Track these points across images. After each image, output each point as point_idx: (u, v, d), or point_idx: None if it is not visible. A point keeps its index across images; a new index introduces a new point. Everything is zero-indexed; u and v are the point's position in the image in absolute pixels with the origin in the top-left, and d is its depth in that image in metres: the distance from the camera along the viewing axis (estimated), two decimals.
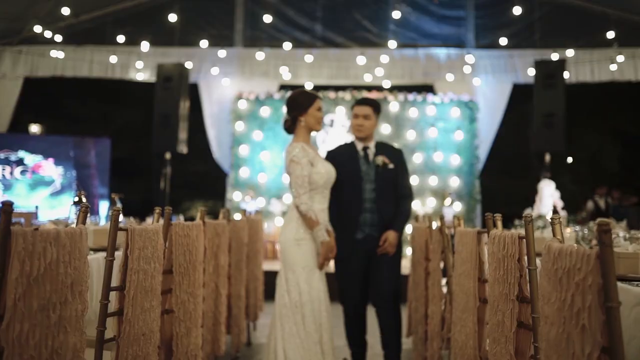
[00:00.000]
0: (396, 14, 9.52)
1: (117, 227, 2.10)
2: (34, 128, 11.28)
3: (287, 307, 3.33)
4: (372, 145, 3.80)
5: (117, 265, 2.15)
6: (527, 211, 6.89)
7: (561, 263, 1.40)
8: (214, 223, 3.36)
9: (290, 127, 3.51)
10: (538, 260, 1.88)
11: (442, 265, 3.51)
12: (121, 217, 4.68)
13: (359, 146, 3.79)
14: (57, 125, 12.98)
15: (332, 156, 3.76)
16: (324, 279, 3.48)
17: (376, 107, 3.82)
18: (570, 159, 9.00)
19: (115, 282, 2.16)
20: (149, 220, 5.35)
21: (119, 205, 4.85)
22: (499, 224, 2.40)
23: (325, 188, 3.49)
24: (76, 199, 4.01)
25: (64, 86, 11.44)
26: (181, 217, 5.52)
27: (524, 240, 2.00)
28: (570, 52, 8.79)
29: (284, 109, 3.56)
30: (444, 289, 3.50)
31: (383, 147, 3.84)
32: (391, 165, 3.73)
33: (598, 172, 12.58)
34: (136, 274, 2.15)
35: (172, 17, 9.22)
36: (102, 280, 2.09)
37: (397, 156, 3.81)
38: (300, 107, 3.46)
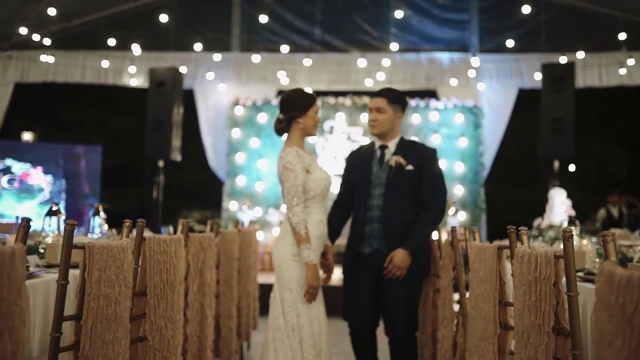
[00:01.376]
0: (398, 17, 9.22)
1: (70, 244, 1.75)
2: (27, 136, 10.97)
3: (282, 331, 2.98)
4: (392, 143, 3.25)
5: (74, 289, 1.81)
6: (537, 221, 6.54)
7: (631, 296, 1.06)
8: (198, 236, 3.01)
9: (283, 128, 3.17)
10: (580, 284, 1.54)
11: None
12: (105, 229, 4.31)
13: (377, 145, 3.30)
14: (50, 132, 12.66)
15: (349, 159, 3.45)
16: (322, 298, 3.13)
17: (391, 97, 3.24)
18: (572, 166, 8.64)
19: (71, 310, 1.81)
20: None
21: (103, 215, 4.52)
22: (525, 238, 2.05)
23: (323, 197, 3.15)
24: (54, 208, 3.68)
25: (55, 92, 11.13)
26: (171, 229, 5.17)
27: (561, 259, 1.65)
28: (580, 54, 8.48)
29: (279, 109, 3.21)
30: (455, 307, 3.15)
31: (406, 146, 3.25)
32: (410, 167, 3.15)
33: (605, 179, 12.23)
34: (96, 300, 1.81)
35: (167, 21, 8.94)
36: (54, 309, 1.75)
37: (422, 156, 3.20)
38: (299, 107, 3.12)
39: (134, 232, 2.42)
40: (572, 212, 6.29)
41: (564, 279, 1.66)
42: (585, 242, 4.12)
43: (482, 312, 2.32)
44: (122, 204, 13.78)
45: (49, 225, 3.63)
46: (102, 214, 5.13)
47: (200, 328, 3.05)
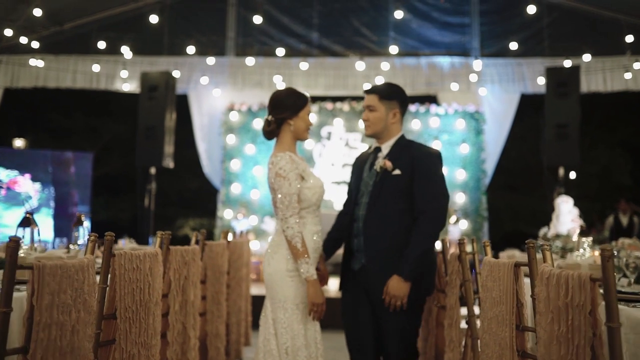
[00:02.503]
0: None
1: (14, 264, 1.48)
2: (18, 142, 10.70)
3: (274, 355, 2.70)
4: (386, 145, 2.89)
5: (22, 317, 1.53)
6: (543, 230, 6.26)
7: None
8: (180, 250, 2.74)
9: (273, 131, 2.90)
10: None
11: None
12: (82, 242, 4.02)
13: (373, 148, 2.98)
14: (42, 139, 12.38)
15: (353, 164, 3.11)
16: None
17: (384, 93, 2.88)
18: (573, 173, 8.38)
19: (16, 341, 1.54)
20: (121, 243, 4.73)
21: (86, 224, 4.25)
22: (548, 255, 1.78)
23: (318, 206, 2.88)
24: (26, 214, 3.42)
25: (46, 97, 10.88)
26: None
27: (597, 283, 1.39)
28: (587, 57, 8.25)
29: (268, 110, 2.94)
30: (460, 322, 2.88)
31: (401, 147, 2.86)
32: (397, 171, 2.77)
33: (609, 187, 11.97)
34: (46, 329, 1.53)
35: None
36: None
37: (414, 158, 2.78)
38: (290, 108, 2.85)
39: (135, 243, 2.16)
40: (580, 222, 6.03)
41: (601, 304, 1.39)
42: (597, 253, 3.86)
43: (497, 337, 2.05)
44: (115, 212, 13.51)
45: (22, 237, 3.37)
46: (85, 223, 4.85)
47: (183, 351, 2.77)
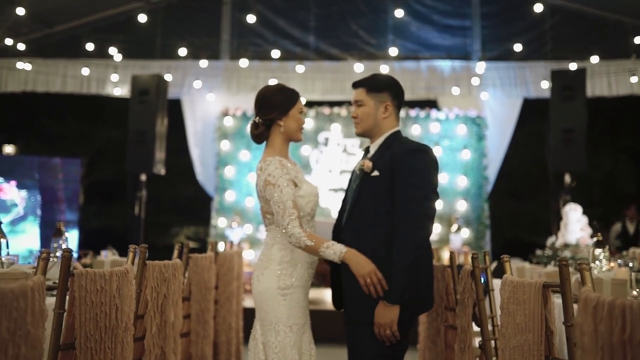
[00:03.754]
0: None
1: None
2: (8, 148, 10.40)
3: None
4: (375, 144, 2.53)
5: None
6: (551, 240, 5.98)
7: None
8: (159, 265, 2.44)
9: (262, 134, 2.61)
10: None
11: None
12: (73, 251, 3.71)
13: (364, 148, 2.64)
14: (32, 145, 12.08)
15: (353, 169, 2.76)
16: (311, 335, 2.56)
17: (372, 84, 2.51)
18: (568, 179, 8.09)
19: None
20: (103, 254, 4.42)
21: (66, 235, 3.95)
22: (587, 276, 1.49)
23: (312, 215, 2.59)
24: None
25: (36, 102, 10.58)
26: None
27: None
28: (595, 59, 8.03)
29: (255, 111, 2.63)
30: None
31: (388, 145, 2.48)
32: (375, 172, 2.41)
33: (613, 194, 11.68)
34: None
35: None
36: None
37: (393, 157, 2.39)
38: (279, 107, 2.56)
39: (135, 255, 1.86)
40: (590, 230, 5.74)
41: None
42: (612, 264, 3.57)
43: None
44: (107, 220, 13.19)
45: None
46: (66, 234, 4.53)
47: None
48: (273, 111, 2.55)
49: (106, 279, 1.83)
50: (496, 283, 3.88)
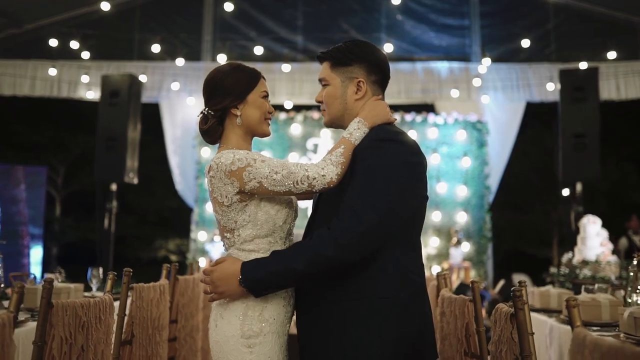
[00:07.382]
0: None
1: None
2: None
3: None
4: None
5: None
6: (568, 256, 5.34)
7: None
8: (100, 300, 1.74)
9: (214, 129, 1.93)
10: None
11: None
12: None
13: None
14: (1, 153, 11.32)
15: None
16: None
17: (336, 57, 1.86)
18: (566, 191, 7.47)
19: None
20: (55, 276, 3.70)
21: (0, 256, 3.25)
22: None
23: (287, 232, 1.90)
24: None
25: (3, 106, 9.85)
26: (97, 273, 3.83)
27: None
28: (612, 54, 7.50)
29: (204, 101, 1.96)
30: None
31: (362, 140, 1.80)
32: None
33: (620, 204, 11.08)
34: None
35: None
36: None
37: (357, 152, 1.74)
38: (232, 91, 1.88)
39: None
40: (611, 246, 5.10)
41: None
42: None
43: None
44: (85, 233, 12.41)
45: None
46: None
47: None
48: (225, 97, 1.87)
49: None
50: (537, 320, 3.00)
